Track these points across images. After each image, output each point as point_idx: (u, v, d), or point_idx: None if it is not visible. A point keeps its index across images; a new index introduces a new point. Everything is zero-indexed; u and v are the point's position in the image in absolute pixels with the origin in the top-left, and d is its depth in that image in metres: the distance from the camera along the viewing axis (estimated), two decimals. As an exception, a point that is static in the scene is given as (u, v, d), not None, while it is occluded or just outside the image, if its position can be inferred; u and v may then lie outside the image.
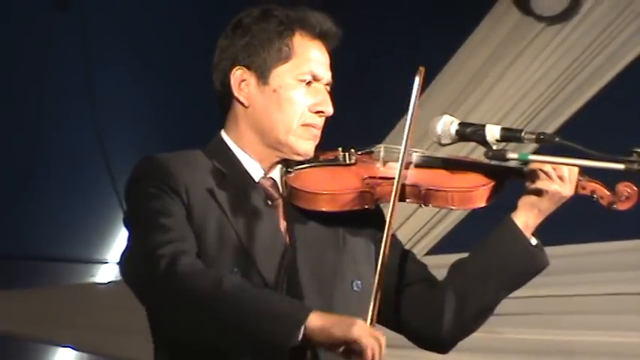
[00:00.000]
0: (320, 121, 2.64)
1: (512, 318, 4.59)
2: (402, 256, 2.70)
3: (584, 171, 2.59)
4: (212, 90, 2.69)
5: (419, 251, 4.77)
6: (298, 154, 2.63)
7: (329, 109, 2.63)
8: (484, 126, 2.60)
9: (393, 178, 2.54)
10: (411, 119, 2.54)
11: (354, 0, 5.10)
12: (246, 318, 2.36)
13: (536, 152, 2.67)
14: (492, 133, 2.58)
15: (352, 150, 2.69)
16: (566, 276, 4.66)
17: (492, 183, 2.61)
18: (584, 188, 2.60)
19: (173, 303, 2.41)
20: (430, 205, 2.63)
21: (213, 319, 2.38)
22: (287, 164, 2.64)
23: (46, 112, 5.56)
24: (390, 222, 2.49)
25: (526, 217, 2.62)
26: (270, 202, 2.60)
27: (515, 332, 4.78)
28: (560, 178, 2.58)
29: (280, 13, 2.64)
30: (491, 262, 2.63)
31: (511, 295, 2.67)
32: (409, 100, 2.53)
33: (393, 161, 2.62)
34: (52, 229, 5.60)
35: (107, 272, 5.84)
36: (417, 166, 2.66)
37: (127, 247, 2.55)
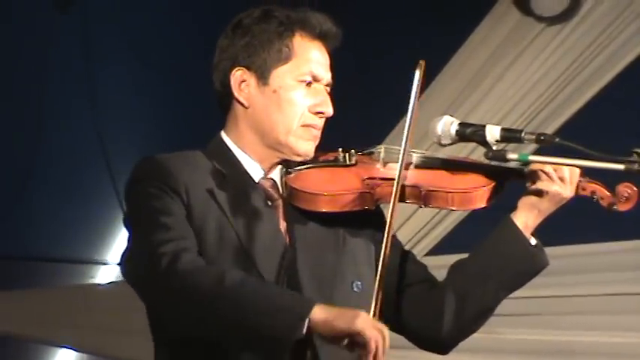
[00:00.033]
0: (320, 122, 2.64)
1: (511, 318, 4.59)
2: (402, 256, 2.70)
3: (584, 172, 2.59)
4: (212, 90, 2.69)
5: (419, 252, 4.77)
6: (298, 155, 2.63)
7: (329, 110, 2.63)
8: (484, 126, 2.60)
9: (393, 179, 2.54)
10: (411, 114, 2.53)
11: (354, 0, 5.10)
12: (249, 313, 2.36)
13: (536, 153, 2.67)
14: (492, 133, 2.58)
15: (352, 151, 2.68)
16: (565, 276, 4.66)
17: (493, 184, 2.61)
18: (584, 189, 2.60)
19: (176, 300, 2.41)
20: (430, 206, 2.63)
21: (217, 315, 2.38)
22: (287, 165, 2.64)
23: (46, 113, 5.56)
24: (390, 222, 2.49)
25: (526, 217, 2.62)
26: (270, 203, 2.60)
27: (514, 333, 4.78)
28: (561, 179, 2.58)
29: (280, 14, 2.64)
30: (491, 262, 2.63)
31: (511, 296, 2.67)
32: (410, 95, 2.53)
33: (394, 162, 2.61)
34: (52, 229, 5.60)
35: (107, 273, 5.84)
36: (417, 166, 2.66)
37: (127, 247, 2.55)
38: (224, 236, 2.52)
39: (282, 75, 2.61)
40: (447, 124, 2.61)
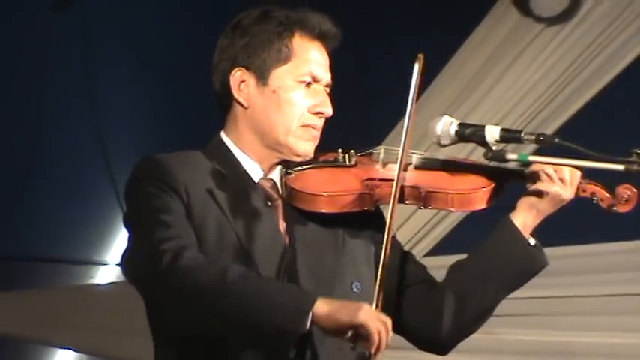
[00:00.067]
0: (319, 122, 2.64)
1: (510, 319, 4.59)
2: (401, 257, 2.70)
3: (584, 172, 2.59)
4: (212, 91, 2.69)
5: (418, 252, 4.77)
6: (298, 155, 2.63)
7: (328, 110, 2.63)
8: (484, 127, 2.60)
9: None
10: (410, 108, 2.53)
11: (353, 0, 5.10)
12: (252, 309, 2.36)
13: (535, 153, 2.67)
14: (492, 134, 2.58)
15: (352, 151, 2.69)
16: (564, 277, 4.66)
17: (492, 185, 2.61)
18: (584, 191, 2.60)
19: (178, 298, 2.40)
20: (430, 207, 2.63)
21: (219, 312, 2.38)
22: (287, 165, 2.64)
23: (46, 113, 5.56)
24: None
25: (524, 217, 2.62)
26: (269, 203, 2.60)
27: (513, 333, 4.78)
28: (562, 180, 2.58)
29: (280, 14, 2.64)
30: (491, 262, 2.63)
31: (510, 296, 2.67)
32: (409, 90, 2.53)
33: (393, 163, 2.61)
34: (52, 230, 5.60)
35: (107, 273, 5.83)
36: (416, 167, 2.66)
37: (127, 247, 2.55)
38: (224, 236, 2.52)
39: (281, 75, 2.61)
40: (447, 125, 2.61)
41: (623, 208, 2.59)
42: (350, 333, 2.35)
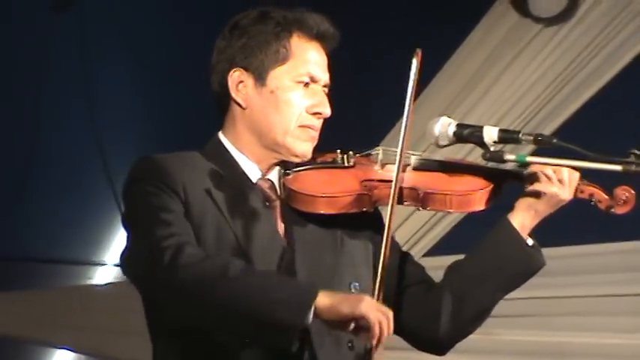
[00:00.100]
0: (318, 123, 2.64)
1: (508, 319, 4.59)
2: (399, 258, 2.70)
3: (582, 173, 2.60)
4: (210, 91, 2.69)
5: (416, 253, 4.77)
6: (296, 156, 2.63)
7: (326, 111, 2.63)
8: (482, 127, 2.60)
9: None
10: (409, 104, 2.53)
11: (351, 1, 5.10)
12: (254, 303, 2.36)
13: (533, 154, 2.67)
14: (490, 134, 2.58)
15: (350, 152, 2.69)
16: (561, 277, 4.66)
17: (491, 186, 2.61)
18: (582, 192, 2.60)
19: (181, 293, 2.39)
20: (428, 209, 2.63)
21: (222, 307, 2.38)
22: (285, 166, 2.64)
23: (44, 113, 5.56)
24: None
25: (522, 217, 2.62)
26: (267, 204, 2.60)
27: (510, 334, 4.78)
28: (560, 181, 2.58)
29: (278, 15, 2.64)
30: (488, 263, 2.63)
31: (507, 297, 2.67)
32: (407, 85, 2.53)
33: (392, 164, 2.61)
34: (50, 230, 5.60)
35: (105, 274, 5.83)
36: (415, 168, 2.66)
37: (126, 246, 2.54)
38: (222, 236, 2.52)
39: (279, 76, 2.61)
40: (445, 126, 2.61)
41: (621, 210, 2.59)
42: (352, 325, 2.36)
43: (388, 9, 5.20)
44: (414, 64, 2.53)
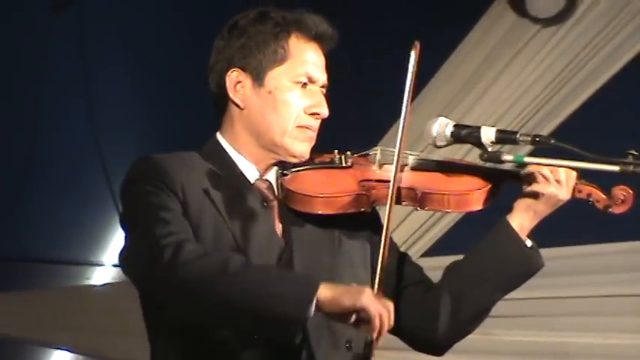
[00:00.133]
0: (315, 123, 2.64)
1: (506, 320, 4.59)
2: (397, 258, 2.70)
3: (580, 173, 2.60)
4: (208, 92, 2.69)
5: (414, 253, 4.77)
6: (294, 156, 2.63)
7: (324, 111, 2.63)
8: (479, 128, 2.60)
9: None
10: (408, 98, 2.53)
11: (351, 1, 5.10)
12: (256, 297, 2.36)
13: (531, 154, 2.67)
14: (488, 135, 2.58)
15: (348, 152, 2.69)
16: (560, 278, 4.66)
17: (489, 186, 2.61)
18: (580, 192, 2.60)
19: (182, 290, 2.39)
20: (426, 209, 2.63)
21: (224, 302, 2.37)
22: (283, 166, 2.64)
23: (43, 113, 5.56)
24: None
25: (521, 219, 2.62)
26: (265, 204, 2.60)
27: (509, 334, 4.78)
28: (558, 181, 2.58)
29: (276, 15, 2.64)
30: (487, 264, 2.63)
31: (506, 297, 2.67)
32: (405, 77, 2.53)
33: (389, 164, 2.61)
34: (49, 230, 5.60)
35: (103, 274, 5.83)
36: (413, 168, 2.66)
37: (125, 246, 2.55)
38: (220, 236, 2.52)
39: (277, 76, 2.62)
40: (442, 126, 2.61)
41: (619, 209, 2.59)
42: (353, 318, 2.36)
43: (388, 9, 5.21)
44: (412, 56, 2.53)
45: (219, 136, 2.67)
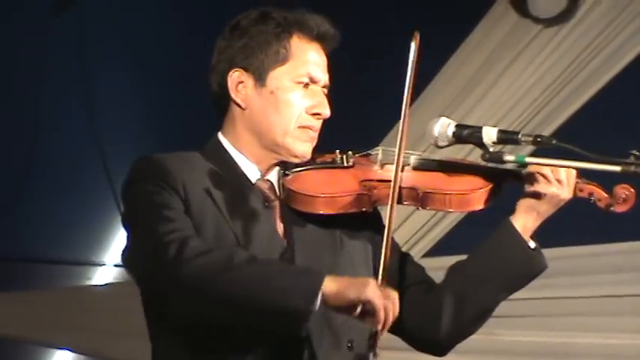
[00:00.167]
0: (317, 124, 2.64)
1: (508, 320, 4.59)
2: (399, 258, 2.70)
3: (581, 173, 2.60)
4: (209, 92, 2.69)
5: (416, 253, 4.77)
6: (295, 156, 2.63)
7: (326, 112, 2.63)
8: (481, 128, 2.60)
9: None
10: (409, 89, 2.53)
11: (351, 1, 5.10)
12: (262, 292, 2.36)
13: (532, 154, 2.67)
14: (489, 135, 2.58)
15: (350, 152, 2.69)
16: (562, 278, 4.66)
17: (490, 186, 2.61)
18: (581, 191, 2.60)
19: (188, 286, 2.39)
20: (428, 208, 2.63)
21: (229, 297, 2.37)
22: (284, 166, 2.64)
23: (43, 114, 5.56)
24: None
25: (524, 219, 2.62)
26: (267, 204, 2.60)
27: (511, 334, 4.78)
28: (558, 180, 2.58)
29: (278, 15, 2.64)
30: (490, 264, 2.63)
31: (508, 297, 2.67)
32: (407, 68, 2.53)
33: (391, 164, 2.61)
34: (50, 231, 5.60)
35: (104, 274, 5.83)
36: (414, 168, 2.66)
37: (128, 245, 2.54)
38: (221, 236, 2.52)
39: (279, 76, 2.61)
40: (444, 126, 2.61)
41: (620, 208, 2.59)
42: (358, 310, 2.36)
43: (388, 9, 5.21)
44: (413, 47, 2.54)
45: (220, 136, 2.67)
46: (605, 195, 2.59)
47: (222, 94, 2.65)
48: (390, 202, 2.52)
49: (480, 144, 2.58)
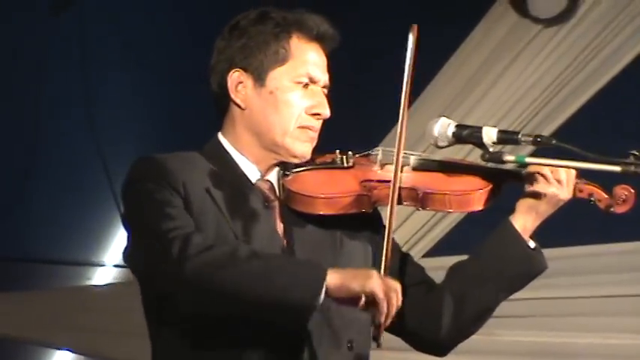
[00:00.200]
0: (317, 124, 2.64)
1: (508, 320, 4.58)
2: (399, 258, 2.70)
3: (581, 174, 2.60)
4: (209, 92, 2.69)
5: (416, 253, 4.76)
6: (295, 157, 2.63)
7: (326, 112, 2.63)
8: (481, 128, 2.60)
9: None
10: (407, 82, 2.53)
11: (351, 1, 5.10)
12: (265, 286, 2.36)
13: (532, 155, 2.67)
14: (489, 135, 2.58)
15: (350, 153, 2.69)
16: (562, 278, 4.65)
17: (490, 186, 2.61)
18: (581, 191, 2.60)
19: (192, 283, 2.39)
20: (428, 209, 2.63)
21: (234, 292, 2.37)
22: (284, 167, 2.64)
23: (43, 114, 5.56)
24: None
25: (524, 220, 2.62)
26: (267, 204, 2.60)
27: (511, 334, 4.78)
28: (558, 181, 2.58)
29: (277, 15, 2.64)
30: (490, 264, 2.63)
31: (508, 297, 2.67)
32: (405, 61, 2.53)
33: (391, 164, 2.61)
34: (50, 231, 5.60)
35: (104, 275, 5.83)
36: (414, 169, 2.66)
37: (129, 244, 2.54)
38: (222, 235, 2.51)
39: (278, 76, 2.61)
40: (444, 126, 2.61)
41: (620, 209, 2.59)
42: (363, 301, 2.37)
43: (388, 9, 5.20)
44: (411, 39, 2.54)
45: (220, 136, 2.67)
46: (605, 195, 2.59)
47: (221, 94, 2.65)
48: (390, 203, 2.51)
49: (480, 144, 2.58)
